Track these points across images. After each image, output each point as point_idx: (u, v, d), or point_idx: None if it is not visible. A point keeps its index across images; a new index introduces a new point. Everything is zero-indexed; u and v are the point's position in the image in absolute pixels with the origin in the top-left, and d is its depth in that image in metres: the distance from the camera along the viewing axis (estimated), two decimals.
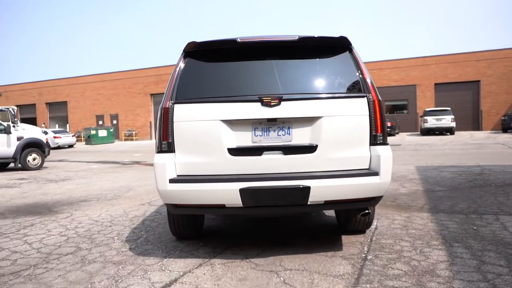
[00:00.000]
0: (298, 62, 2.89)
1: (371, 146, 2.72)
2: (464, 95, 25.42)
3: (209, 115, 2.69)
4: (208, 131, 2.68)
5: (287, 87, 2.76)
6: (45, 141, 11.64)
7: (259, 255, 2.95)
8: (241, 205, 2.62)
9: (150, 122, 30.46)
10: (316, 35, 2.83)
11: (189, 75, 2.83)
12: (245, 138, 2.69)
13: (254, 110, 2.65)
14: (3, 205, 5.48)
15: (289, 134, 2.69)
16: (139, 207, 4.98)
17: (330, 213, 4.29)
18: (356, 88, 2.77)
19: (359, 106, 2.70)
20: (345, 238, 3.35)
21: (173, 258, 2.96)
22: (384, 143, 2.73)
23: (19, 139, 10.94)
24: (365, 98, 2.72)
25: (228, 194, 2.60)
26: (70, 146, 23.99)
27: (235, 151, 2.67)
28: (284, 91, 2.72)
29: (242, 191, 2.56)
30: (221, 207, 2.69)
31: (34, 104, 35.13)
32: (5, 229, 4.07)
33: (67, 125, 32.85)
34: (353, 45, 2.90)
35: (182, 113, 2.71)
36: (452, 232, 3.43)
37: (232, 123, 2.68)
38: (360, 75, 2.81)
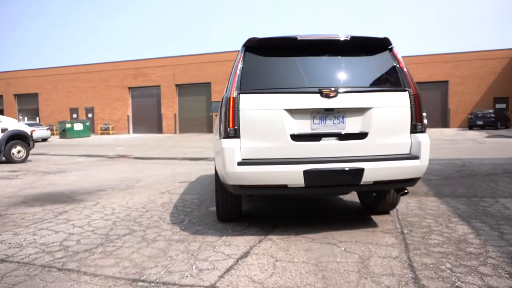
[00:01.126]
0: (349, 59, 3.24)
1: (412, 134, 3.11)
2: (434, 94, 26.92)
3: (273, 105, 2.98)
4: (272, 119, 2.97)
5: (341, 81, 3.11)
6: (30, 133, 11.35)
7: (309, 231, 3.28)
8: (303, 185, 2.94)
9: (128, 116, 29.95)
10: (364, 35, 3.19)
11: (251, 68, 3.11)
12: (305, 126, 3.00)
13: (314, 101, 2.97)
14: (19, 194, 5.48)
15: (343, 122, 3.03)
16: (162, 195, 5.15)
17: (347, 197, 4.69)
18: (399, 83, 3.15)
19: (402, 99, 3.08)
20: (374, 218, 3.75)
21: (230, 236, 3.22)
22: (422, 131, 3.13)
23: (3, 130, 10.61)
24: (407, 92, 3.10)
25: (293, 175, 2.90)
26: (44, 139, 23.21)
27: (297, 137, 2.98)
28: (339, 84, 3.05)
29: (306, 173, 2.88)
30: (283, 187, 2.99)
31: (1, 96, 33.49)
32: (41, 215, 4.15)
33: (37, 118, 31.59)
34: (393, 45, 3.28)
35: (247, 102, 2.98)
36: (464, 212, 3.92)
37: (294, 112, 2.99)
38: (401, 72, 3.19)
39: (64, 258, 2.75)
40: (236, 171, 2.93)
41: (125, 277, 2.40)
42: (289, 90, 3.02)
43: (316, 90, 2.98)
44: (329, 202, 4.57)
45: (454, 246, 2.85)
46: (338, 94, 2.98)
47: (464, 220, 3.58)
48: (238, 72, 3.08)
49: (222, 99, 3.10)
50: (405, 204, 4.37)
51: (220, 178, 3.25)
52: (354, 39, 3.15)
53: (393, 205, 3.83)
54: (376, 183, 3.02)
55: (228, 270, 2.46)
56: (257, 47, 3.17)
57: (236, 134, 2.99)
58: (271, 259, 2.65)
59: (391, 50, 3.27)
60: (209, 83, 28.22)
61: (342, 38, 3.14)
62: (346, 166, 2.92)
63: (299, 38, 3.12)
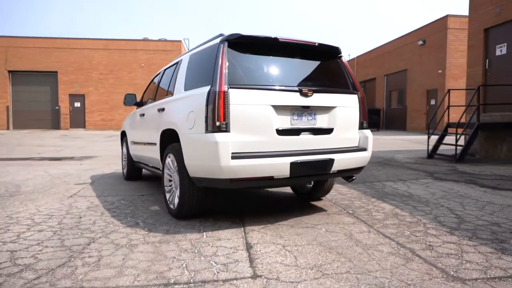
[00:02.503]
0: (316, 63, 3.63)
1: (359, 130, 3.73)
2: None
3: (261, 101, 3.11)
4: (260, 114, 3.10)
5: (313, 82, 3.47)
6: None
7: (278, 220, 3.52)
8: (288, 176, 3.17)
9: (8, 107, 23.28)
10: (325, 43, 3.63)
11: (234, 63, 3.14)
12: (286, 121, 3.24)
13: (294, 98, 3.24)
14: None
15: (315, 119, 3.40)
16: (75, 199, 4.48)
17: (275, 189, 5.13)
18: (351, 87, 3.73)
19: (354, 100, 3.67)
20: (316, 204, 4.29)
21: (209, 231, 3.18)
22: (367, 128, 3.80)
23: None
24: (356, 95, 3.71)
25: (280, 167, 3.10)
26: None
27: (281, 132, 3.20)
28: (312, 85, 3.41)
29: (292, 164, 3.13)
30: (270, 178, 3.16)
31: None
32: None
33: None
34: (342, 54, 3.84)
35: (237, 97, 3.02)
36: (373, 194, 4.86)
37: (278, 108, 3.18)
38: (351, 77, 3.78)
39: (43, 278, 2.24)
40: (230, 165, 2.95)
41: (151, 283, 2.17)
42: (274, 87, 3.20)
43: (297, 89, 3.27)
44: (262, 194, 4.89)
45: (396, 219, 3.60)
46: (314, 94, 3.34)
47: (380, 199, 4.47)
48: (224, 66, 3.08)
49: (209, 93, 3.02)
50: None
51: (202, 172, 3.15)
52: (320, 45, 3.56)
53: (327, 191, 4.46)
54: (339, 171, 3.52)
55: (252, 260, 2.50)
56: (238, 43, 3.23)
57: (227, 128, 2.99)
58: (278, 245, 2.81)
59: (340, 58, 3.83)
60: (56, 72, 24.48)
61: (312, 44, 3.51)
62: (322, 157, 3.32)
63: (280, 40, 3.34)
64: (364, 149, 3.67)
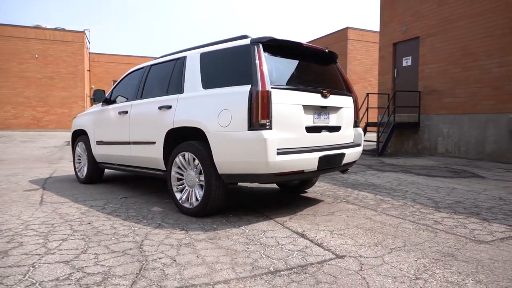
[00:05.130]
0: (324, 67, 4.01)
1: (354, 128, 4.26)
2: None
3: (295, 100, 3.36)
4: (294, 113, 3.34)
5: (327, 84, 3.85)
6: None
7: (296, 212, 3.83)
8: (316, 169, 3.50)
9: None
10: (331, 50, 4.05)
11: (269, 64, 3.33)
12: (310, 120, 3.55)
13: (317, 99, 3.57)
14: None
15: (328, 118, 3.79)
16: (55, 206, 4.04)
17: (258, 185, 5.39)
18: (347, 89, 4.23)
19: (350, 101, 4.17)
20: (308, 196, 4.70)
21: (246, 225, 3.30)
22: (358, 126, 4.36)
23: None
24: (351, 96, 4.23)
25: (310, 161, 3.40)
26: None
27: (308, 129, 3.50)
28: (326, 87, 3.79)
29: (320, 159, 3.46)
30: (301, 172, 3.43)
31: None
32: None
33: None
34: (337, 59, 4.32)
35: (278, 97, 3.22)
36: (342, 184, 5.49)
37: (306, 108, 3.48)
38: (346, 80, 4.28)
39: (141, 283, 2.15)
40: (276, 160, 3.14)
41: (255, 273, 2.27)
42: (304, 88, 3.49)
43: (319, 90, 3.62)
44: (250, 190, 5.10)
45: (386, 204, 4.22)
46: (330, 95, 3.73)
47: (355, 189, 5.10)
48: (264, 66, 3.24)
49: (251, 92, 3.13)
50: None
51: (239, 169, 3.24)
52: (329, 52, 3.97)
53: (313, 185, 4.91)
54: (345, 164, 3.98)
55: (320, 245, 2.75)
56: (270, 46, 3.41)
57: (270, 126, 3.17)
58: (325, 231, 3.10)
59: (336, 63, 4.30)
60: None
61: (323, 50, 3.90)
62: (338, 152, 3.73)
63: (303, 45, 3.64)
64: (359, 145, 4.21)
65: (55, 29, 23.27)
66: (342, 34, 22.11)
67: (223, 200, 3.55)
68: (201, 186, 3.55)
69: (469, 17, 8.91)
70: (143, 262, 2.44)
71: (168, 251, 2.65)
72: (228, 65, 3.55)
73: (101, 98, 5.10)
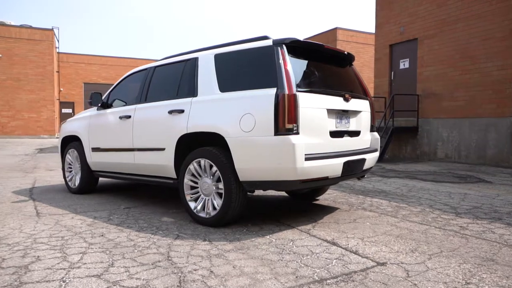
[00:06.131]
0: (343, 69, 4.13)
1: (371, 132, 4.41)
2: None
3: (319, 104, 3.46)
4: (319, 117, 3.44)
5: (344, 87, 3.98)
6: None
7: (316, 220, 3.93)
8: (339, 175, 3.61)
9: None
10: (348, 52, 4.19)
11: (294, 66, 3.43)
12: (333, 124, 3.66)
13: (339, 103, 3.69)
14: None
15: (349, 122, 3.91)
16: (53, 218, 4.00)
17: (264, 193, 5.46)
18: (364, 93, 4.37)
19: (367, 105, 4.32)
20: (322, 204, 4.81)
21: (270, 235, 3.36)
22: (375, 130, 4.51)
23: None
24: (368, 100, 4.38)
25: (335, 167, 3.50)
26: None
27: (332, 134, 3.61)
28: (346, 90, 3.92)
29: (344, 164, 3.58)
30: (325, 178, 3.53)
31: None
32: None
33: None
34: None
35: (304, 100, 3.31)
36: (351, 190, 5.64)
37: (329, 112, 3.59)
38: (362, 83, 4.43)
39: None
40: (304, 166, 3.22)
41: (301, 283, 2.33)
42: (328, 91, 3.60)
43: (341, 93, 3.74)
44: (255, 198, 5.17)
45: (404, 210, 4.37)
46: (351, 99, 3.86)
47: (367, 196, 5.25)
48: (289, 69, 3.33)
49: (277, 95, 3.20)
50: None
51: (264, 175, 3.30)
52: (348, 54, 4.11)
53: (324, 192, 5.04)
54: (364, 170, 4.12)
55: (356, 252, 2.85)
56: (291, 47, 3.49)
57: (297, 131, 3.26)
58: (356, 239, 3.19)
59: (352, 65, 4.45)
60: None
61: (342, 52, 4.03)
62: (360, 157, 3.86)
63: (325, 47, 3.76)
64: (376, 150, 4.36)
65: (21, 26, 22.73)
66: (330, 35, 22.56)
67: (242, 208, 3.61)
68: (219, 194, 3.59)
69: (468, 19, 9.34)
70: (179, 274, 2.46)
71: (200, 262, 2.68)
72: (248, 67, 3.62)
73: (98, 101, 5.08)
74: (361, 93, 4.24)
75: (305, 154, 3.24)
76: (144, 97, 4.58)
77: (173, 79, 4.32)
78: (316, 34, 23.08)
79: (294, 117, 3.22)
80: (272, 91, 3.27)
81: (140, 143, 4.43)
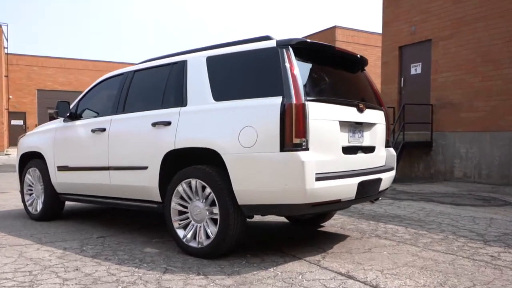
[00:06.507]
0: (355, 75, 4.25)
1: (386, 148, 4.53)
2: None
3: (331, 115, 3.56)
4: (331, 130, 3.53)
5: (357, 96, 4.10)
6: None
7: (325, 249, 3.99)
8: (353, 198, 3.69)
9: None
10: (361, 55, 4.32)
11: (301, 71, 3.50)
12: (345, 138, 3.75)
13: (352, 114, 3.79)
14: None
15: (362, 136, 4.01)
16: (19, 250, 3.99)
17: (263, 218, 5.51)
18: (377, 101, 4.50)
19: (382, 117, 4.44)
20: (329, 231, 4.88)
21: (275, 267, 3.41)
22: (390, 146, 4.63)
23: None
24: (382, 111, 4.51)
25: (349, 188, 3.58)
26: None
27: (344, 150, 3.70)
28: (359, 99, 4.04)
29: (359, 185, 3.66)
30: (337, 202, 3.60)
31: None
32: None
33: None
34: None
35: (314, 111, 3.39)
36: (360, 215, 5.74)
37: (342, 124, 3.68)
38: (376, 91, 4.57)
39: None
40: (315, 187, 3.29)
41: None
42: (340, 101, 3.69)
43: (355, 103, 3.85)
44: (251, 224, 5.20)
45: (425, 238, 4.47)
46: (366, 109, 3.98)
47: (380, 222, 5.34)
48: (296, 75, 3.42)
49: (284, 105, 3.26)
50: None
51: (267, 198, 3.34)
52: (361, 57, 4.24)
53: (331, 217, 5.12)
54: (379, 192, 4.21)
55: (376, 287, 2.92)
56: (298, 49, 3.57)
57: (307, 146, 3.34)
58: (374, 271, 3.25)
59: (364, 70, 4.59)
60: None
61: (355, 55, 4.14)
62: (375, 177, 3.95)
63: (336, 49, 3.88)
64: (392, 168, 4.47)
65: None
66: (329, 34, 23.02)
67: (239, 236, 3.65)
68: (214, 220, 3.63)
69: (490, 18, 9.68)
70: None
71: None
72: (247, 73, 3.71)
73: (65, 112, 5.09)
74: (375, 102, 4.36)
75: (317, 173, 3.31)
76: (121, 106, 4.61)
77: (157, 86, 4.38)
78: (311, 34, 23.51)
79: (303, 130, 3.29)
80: (277, 100, 3.34)
81: (117, 161, 4.45)
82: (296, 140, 3.27)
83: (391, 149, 4.56)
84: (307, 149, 3.31)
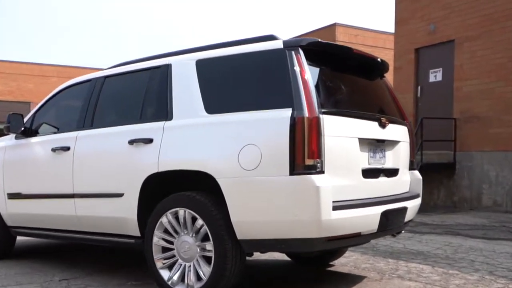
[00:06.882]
0: (375, 82, 4.44)
1: (410, 171, 4.68)
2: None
3: (350, 131, 3.67)
4: (350, 150, 3.64)
5: (378, 108, 4.26)
6: None
7: None
8: (375, 231, 3.80)
9: None
10: (379, 58, 4.46)
11: (313, 77, 3.59)
12: (365, 159, 3.88)
13: (374, 130, 3.93)
14: None
15: (384, 157, 4.15)
16: None
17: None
18: (399, 114, 4.65)
19: (405, 133, 4.59)
20: (341, 271, 4.99)
21: None
22: (415, 168, 4.78)
23: None
24: (406, 126, 4.67)
25: (371, 219, 3.69)
26: None
27: (365, 173, 3.83)
28: (380, 111, 4.19)
29: (383, 215, 3.78)
30: (356, 236, 3.71)
31: None
32: None
33: None
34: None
35: (331, 126, 3.49)
36: (375, 252, 5.87)
37: (361, 142, 3.80)
38: (397, 101, 4.72)
39: None
40: (332, 218, 3.37)
41: None
42: (360, 114, 3.82)
43: (376, 117, 4.00)
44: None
45: (457, 279, 4.61)
46: (388, 124, 4.13)
47: (400, 259, 5.48)
48: (309, 82, 3.49)
49: (294, 119, 3.36)
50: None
51: (273, 231, 3.43)
52: (382, 61, 4.35)
53: (342, 254, 5.24)
54: (405, 223, 4.35)
55: None
56: (309, 51, 3.68)
57: (322, 168, 3.44)
58: None
59: (384, 77, 4.74)
60: None
61: (374, 58, 4.28)
62: (400, 205, 4.08)
63: (354, 51, 4.01)
64: (418, 195, 4.62)
65: None
66: (327, 33, 23.35)
67: (239, 278, 3.71)
68: (206, 258, 3.68)
69: None
70: None
71: None
72: (247, 80, 3.84)
73: (19, 126, 5.11)
74: (398, 116, 4.53)
75: (334, 201, 3.40)
76: (89, 120, 4.65)
77: (134, 95, 4.46)
78: (306, 33, 23.82)
79: (317, 150, 3.39)
80: (286, 112, 3.41)
81: (84, 187, 4.49)
82: (309, 161, 3.36)
83: (416, 172, 4.72)
84: (322, 172, 3.41)
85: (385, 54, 20.67)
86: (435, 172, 11.43)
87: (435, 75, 11.83)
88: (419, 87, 12.22)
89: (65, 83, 5.30)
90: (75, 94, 5.04)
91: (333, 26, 23.19)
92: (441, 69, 11.73)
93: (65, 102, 5.16)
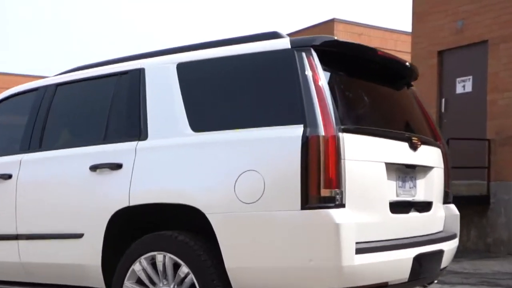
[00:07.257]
0: (402, 92, 4.48)
1: (444, 204, 4.69)
2: None
3: (376, 154, 3.63)
4: (375, 177, 3.61)
5: (407, 124, 4.28)
6: None
7: None
8: (406, 279, 3.77)
9: None
10: (407, 62, 4.48)
11: (329, 86, 3.56)
12: (393, 189, 3.87)
13: (403, 153, 3.92)
14: None
15: (415, 186, 4.15)
16: None
17: None
18: (431, 133, 4.65)
19: (439, 156, 4.61)
20: None
21: None
22: (451, 200, 4.79)
23: None
24: (440, 148, 4.69)
25: (401, 265, 3.65)
26: None
27: (393, 206, 3.81)
28: (408, 129, 4.21)
29: (415, 260, 3.76)
30: (384, 286, 3.68)
31: None
32: None
33: None
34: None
35: (351, 147, 3.43)
36: None
37: (388, 168, 3.78)
38: (424, 115, 4.73)
39: None
40: (355, 264, 3.33)
41: None
42: (387, 133, 3.80)
43: (406, 136, 3.99)
44: None
45: None
46: (421, 146, 4.13)
47: None
48: (324, 91, 3.43)
49: (307, 138, 3.32)
50: None
51: (279, 281, 3.39)
52: (411, 66, 4.40)
53: None
54: (440, 270, 4.34)
55: None
56: (324, 53, 3.65)
57: (342, 201, 3.40)
58: None
59: (410, 85, 4.73)
60: None
61: (403, 62, 4.31)
62: (436, 248, 4.07)
63: (379, 53, 4.00)
64: (455, 235, 4.62)
65: None
66: (324, 31, 23.33)
67: None
68: None
69: None
70: None
71: None
72: (245, 88, 3.82)
73: None
74: (429, 135, 4.54)
75: (357, 243, 3.34)
76: (36, 140, 4.55)
77: (96, 108, 4.40)
78: (300, 30, 23.91)
79: (336, 177, 3.33)
80: (296, 130, 3.34)
81: (31, 225, 4.39)
82: (326, 192, 3.30)
83: (452, 206, 4.71)
84: (342, 205, 3.35)
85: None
86: (465, 207, 11.24)
87: (464, 85, 11.84)
88: (443, 100, 12.23)
89: (3, 93, 5.17)
90: (18, 107, 4.97)
91: (331, 22, 23.23)
92: (470, 77, 11.73)
93: (4, 117, 5.08)
